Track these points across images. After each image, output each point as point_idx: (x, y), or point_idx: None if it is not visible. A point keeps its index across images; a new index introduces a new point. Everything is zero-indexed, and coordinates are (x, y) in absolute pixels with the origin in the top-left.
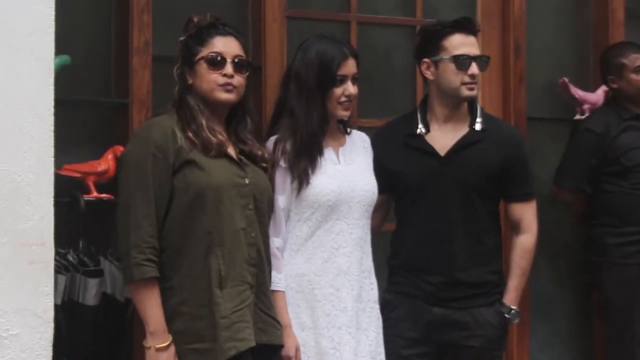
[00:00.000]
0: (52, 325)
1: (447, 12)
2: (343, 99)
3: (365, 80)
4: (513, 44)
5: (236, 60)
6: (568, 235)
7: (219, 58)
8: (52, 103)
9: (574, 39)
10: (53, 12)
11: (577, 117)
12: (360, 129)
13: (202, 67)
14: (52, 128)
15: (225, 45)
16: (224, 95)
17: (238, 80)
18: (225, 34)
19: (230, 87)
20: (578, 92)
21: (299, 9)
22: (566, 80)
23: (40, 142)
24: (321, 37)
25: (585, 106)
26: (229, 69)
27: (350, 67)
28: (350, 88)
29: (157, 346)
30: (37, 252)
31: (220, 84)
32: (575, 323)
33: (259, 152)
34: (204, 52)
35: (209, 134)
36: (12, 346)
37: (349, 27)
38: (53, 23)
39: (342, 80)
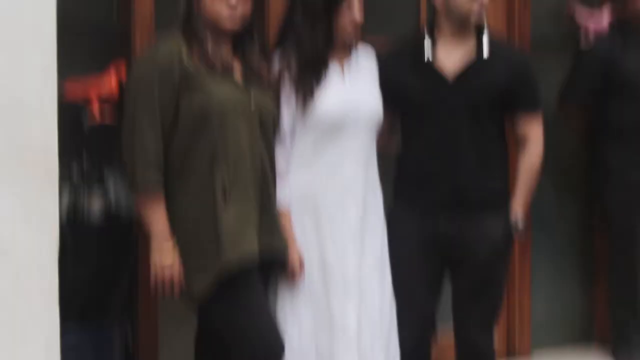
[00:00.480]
0: (57, 234)
1: None
2: (348, 22)
3: None
4: None
5: None
6: (571, 152)
7: None
8: (54, 20)
9: None
10: None
11: (582, 39)
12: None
13: None
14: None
15: None
16: (228, 26)
17: (242, 9)
18: None
19: (234, 18)
20: (583, 15)
21: None
22: (571, 3)
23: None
24: None
25: (590, 28)
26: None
27: None
28: (356, 12)
29: (163, 261)
30: (41, 161)
31: (224, 15)
32: (577, 239)
33: (265, 73)
34: None
35: (214, 54)
36: (16, 252)
37: None
38: None
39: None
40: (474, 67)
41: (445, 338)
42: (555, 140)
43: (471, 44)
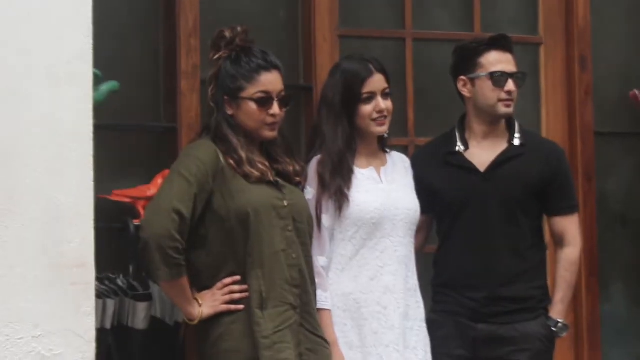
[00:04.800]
0: (94, 345)
1: (506, 26)
2: (375, 115)
3: (422, 98)
4: (578, 57)
5: (280, 96)
6: None
7: (267, 98)
8: (91, 128)
9: None
10: (91, 41)
11: None
12: (418, 148)
13: (249, 106)
14: (91, 153)
15: (272, 83)
16: (269, 134)
17: (281, 115)
18: (269, 68)
19: (275, 126)
20: None
21: (351, 27)
22: (637, 92)
23: (80, 167)
24: (349, 57)
25: None
26: (276, 108)
27: (377, 83)
28: (381, 103)
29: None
30: (78, 273)
31: (267, 123)
32: None
33: (291, 168)
34: (251, 90)
35: (250, 168)
36: None
37: (405, 44)
38: (91, 51)
39: (371, 97)
40: (506, 156)
41: None
42: (624, 239)
43: (503, 137)
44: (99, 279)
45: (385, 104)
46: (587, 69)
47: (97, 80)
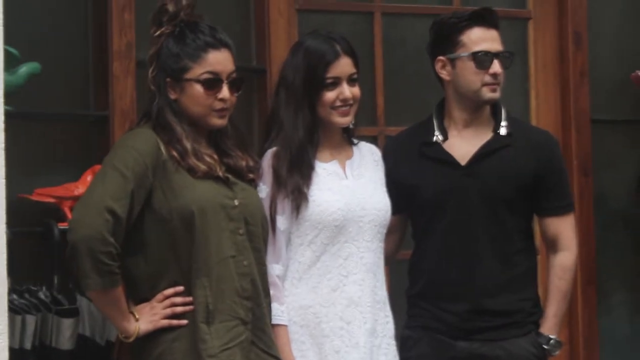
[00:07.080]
0: None
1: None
2: (338, 103)
3: (393, 82)
4: (572, 33)
5: (231, 78)
6: None
7: (215, 80)
8: (1, 117)
9: None
10: (0, 15)
11: None
12: (389, 138)
13: (195, 88)
14: (1, 145)
15: (221, 63)
16: (218, 122)
17: (232, 101)
18: (218, 46)
19: (225, 113)
20: None
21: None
22: (639, 73)
23: None
24: (314, 35)
25: None
26: (225, 92)
27: (343, 67)
28: (346, 91)
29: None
30: None
31: (216, 109)
32: None
33: (243, 163)
34: (197, 70)
35: (196, 161)
36: None
37: (372, 19)
38: (1, 27)
39: (335, 82)
40: (491, 148)
41: None
42: (626, 241)
43: (487, 126)
44: (17, 291)
45: (351, 91)
46: (582, 46)
47: (15, 61)
